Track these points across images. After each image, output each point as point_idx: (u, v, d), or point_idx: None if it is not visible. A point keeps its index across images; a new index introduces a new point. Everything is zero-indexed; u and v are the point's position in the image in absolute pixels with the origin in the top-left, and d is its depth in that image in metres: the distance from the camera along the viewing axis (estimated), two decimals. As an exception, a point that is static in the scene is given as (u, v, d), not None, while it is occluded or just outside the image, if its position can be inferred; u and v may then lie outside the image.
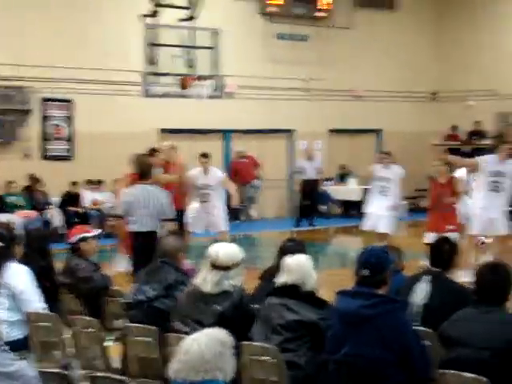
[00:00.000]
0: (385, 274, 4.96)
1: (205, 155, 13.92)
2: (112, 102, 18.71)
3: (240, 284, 5.75)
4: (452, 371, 4.65)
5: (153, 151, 12.90)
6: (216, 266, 5.65)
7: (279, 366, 5.15)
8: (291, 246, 6.53)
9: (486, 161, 11.89)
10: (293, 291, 5.47)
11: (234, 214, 20.80)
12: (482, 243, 12.90)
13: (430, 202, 12.29)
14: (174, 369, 3.54)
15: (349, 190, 22.00)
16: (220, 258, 5.66)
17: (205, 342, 3.54)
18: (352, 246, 16.67)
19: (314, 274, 5.58)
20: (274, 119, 21.71)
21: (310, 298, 5.47)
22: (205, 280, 5.67)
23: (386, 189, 13.68)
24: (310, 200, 20.20)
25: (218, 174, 13.96)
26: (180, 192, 12.94)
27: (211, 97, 16.09)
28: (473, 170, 12.28)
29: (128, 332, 6.04)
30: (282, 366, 5.15)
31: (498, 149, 12.04)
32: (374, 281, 4.89)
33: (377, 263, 4.93)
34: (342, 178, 22.89)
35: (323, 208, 22.01)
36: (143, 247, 9.23)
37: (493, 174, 11.76)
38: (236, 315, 5.49)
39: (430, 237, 11.23)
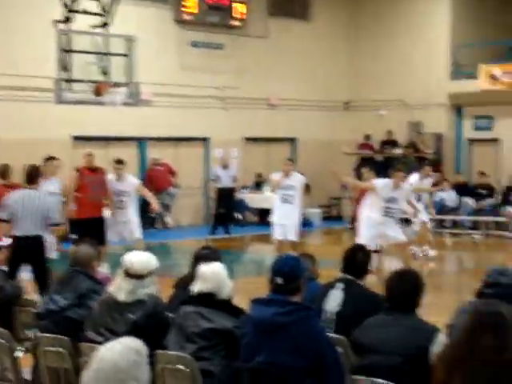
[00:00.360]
0: (298, 281, 4.98)
1: (119, 161, 13.82)
2: (25, 108, 18.38)
3: (154, 293, 5.71)
4: (364, 377, 4.71)
5: (51, 158, 12.88)
6: (130, 275, 5.60)
7: (193, 375, 5.13)
8: (206, 254, 6.52)
9: (381, 186, 12.28)
10: (208, 299, 5.46)
11: (149, 221, 20.70)
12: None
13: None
14: (86, 379, 3.49)
15: (264, 198, 22.11)
16: (134, 267, 5.61)
17: (119, 351, 3.50)
18: (268, 253, 16.74)
19: (229, 282, 5.58)
20: (190, 127, 21.68)
21: (225, 306, 5.46)
22: (119, 288, 5.61)
23: (290, 197, 13.85)
24: (225, 208, 20.23)
25: (132, 180, 13.88)
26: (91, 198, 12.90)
27: (126, 104, 15.97)
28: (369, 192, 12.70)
29: (39, 342, 5.93)
30: (197, 374, 5.13)
31: (392, 175, 12.45)
32: (288, 288, 4.92)
33: (290, 271, 4.95)
34: (258, 186, 23.00)
35: (239, 216, 22.05)
36: (24, 251, 9.43)
37: (386, 200, 12.17)
38: (150, 324, 5.44)
39: None
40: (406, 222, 15.10)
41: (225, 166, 20.31)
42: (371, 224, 12.30)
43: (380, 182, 12.59)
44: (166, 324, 5.58)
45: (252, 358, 4.83)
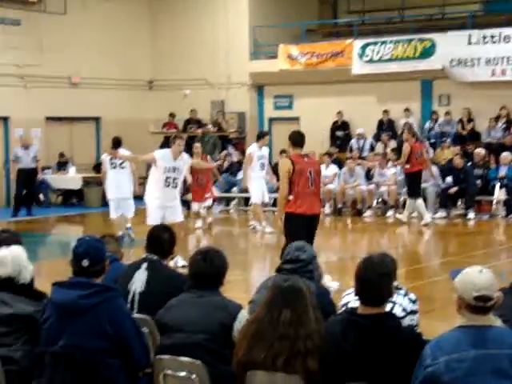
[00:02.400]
0: (103, 263, 4.98)
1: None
2: None
3: None
4: (168, 356, 4.76)
5: None
6: None
7: (-7, 362, 4.99)
8: (5, 238, 6.34)
9: (163, 157, 11.86)
10: (7, 284, 5.31)
11: None
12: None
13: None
14: None
15: (69, 179, 21.72)
16: None
17: None
18: (73, 235, 16.49)
19: (30, 265, 5.45)
20: (-13, 106, 20.88)
21: (25, 291, 5.34)
22: None
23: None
24: (27, 189, 19.69)
25: None
26: None
27: None
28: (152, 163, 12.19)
29: None
30: (-3, 362, 5.00)
31: (172, 144, 12.03)
32: (93, 271, 4.89)
33: (95, 253, 4.93)
34: (61, 166, 22.52)
35: (42, 197, 21.53)
36: None
37: (167, 170, 11.79)
38: None
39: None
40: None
41: (25, 147, 19.69)
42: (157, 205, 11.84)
43: (160, 152, 12.28)
44: None
45: (54, 343, 4.76)
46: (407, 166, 17.00)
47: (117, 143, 14.66)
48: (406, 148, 16.95)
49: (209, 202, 16.71)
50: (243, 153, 22.74)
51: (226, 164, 21.78)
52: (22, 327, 5.17)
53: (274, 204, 16.44)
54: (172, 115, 24.19)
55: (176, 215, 11.89)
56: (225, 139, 23.50)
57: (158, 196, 11.81)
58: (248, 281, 11.44)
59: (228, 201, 21.24)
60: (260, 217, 16.38)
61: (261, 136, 16.53)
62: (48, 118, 22.64)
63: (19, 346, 5.13)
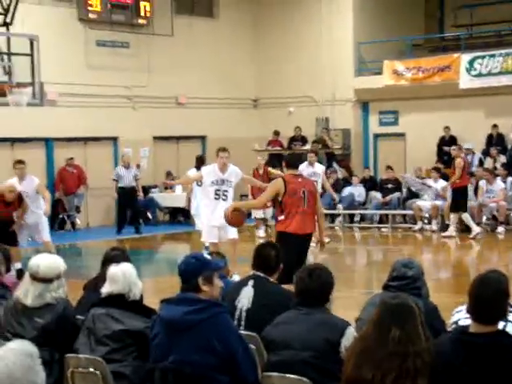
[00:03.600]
0: (196, 279, 4.95)
1: (20, 161, 13.51)
2: None
3: (64, 296, 5.61)
4: (276, 373, 4.74)
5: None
6: (37, 279, 5.48)
7: (105, 378, 5.08)
8: (115, 255, 6.46)
9: (208, 172, 12.10)
10: (118, 301, 5.41)
11: (59, 223, 20.42)
12: None
13: None
14: None
15: (175, 197, 22.05)
16: (41, 271, 5.47)
17: (12, 360, 3.41)
18: (180, 252, 16.70)
19: (139, 282, 5.54)
20: (98, 126, 21.42)
21: (135, 307, 5.42)
22: (26, 293, 5.48)
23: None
24: (131, 208, 20.15)
25: (34, 181, 13.53)
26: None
27: (31, 104, 15.70)
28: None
29: None
30: (108, 377, 5.08)
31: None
32: (189, 287, 4.92)
33: (186, 270, 4.96)
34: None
35: (150, 215, 21.91)
36: None
37: (215, 183, 12.01)
38: (59, 328, 5.35)
39: None
40: None
41: (127, 166, 20.18)
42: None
43: (205, 168, 12.48)
44: (75, 328, 5.50)
45: (164, 358, 4.81)
46: (458, 181, 17.54)
47: (200, 161, 14.79)
48: (459, 163, 17.55)
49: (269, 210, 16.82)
50: (348, 170, 22.66)
51: (331, 181, 21.73)
52: (132, 343, 5.25)
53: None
54: (276, 133, 24.28)
55: (229, 232, 11.90)
56: (330, 156, 23.43)
57: (212, 210, 11.95)
58: (354, 298, 11.33)
59: (333, 217, 21.15)
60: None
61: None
62: (155, 138, 23.08)
63: (130, 362, 5.21)
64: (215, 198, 11.99)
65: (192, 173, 14.90)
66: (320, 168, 16.39)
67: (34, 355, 3.46)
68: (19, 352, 3.43)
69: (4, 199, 12.55)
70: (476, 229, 17.50)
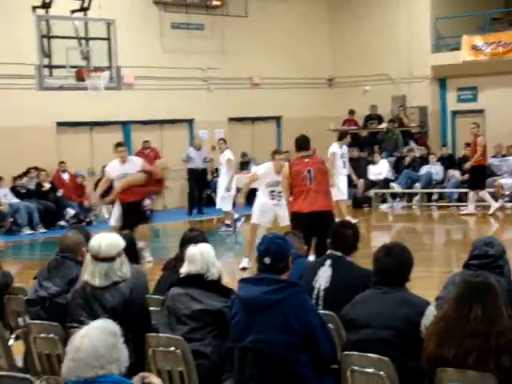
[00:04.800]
0: (286, 260, 5.00)
1: (120, 144, 13.68)
2: (6, 96, 18.25)
3: (128, 273, 5.61)
4: (356, 352, 4.72)
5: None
6: (100, 259, 5.50)
7: (186, 356, 5.14)
8: (194, 236, 6.52)
9: (264, 173, 12.16)
10: (197, 280, 5.46)
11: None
12: None
13: None
14: (66, 368, 3.47)
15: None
16: (102, 250, 5.46)
17: (96, 337, 3.48)
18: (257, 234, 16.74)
19: (218, 262, 5.58)
20: (174, 109, 21.59)
21: (214, 287, 5.47)
22: (93, 274, 5.53)
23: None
24: (197, 189, 20.38)
25: (137, 161, 13.51)
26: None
27: (108, 88, 15.88)
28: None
29: (30, 329, 5.93)
30: (189, 355, 5.14)
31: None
32: (276, 268, 4.93)
33: (277, 251, 4.97)
34: (244, 165, 22.95)
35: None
36: None
37: (269, 185, 12.09)
38: (126, 310, 5.36)
39: None
40: None
41: (198, 148, 20.36)
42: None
43: (261, 168, 12.58)
44: (143, 309, 5.53)
45: (243, 338, 4.84)
46: (480, 159, 17.83)
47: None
48: (481, 141, 17.89)
49: None
50: (426, 148, 22.35)
51: (408, 159, 21.51)
52: (211, 322, 5.30)
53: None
54: (352, 112, 24.11)
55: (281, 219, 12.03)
56: (406, 134, 23.16)
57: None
58: (433, 277, 11.21)
59: (410, 197, 20.93)
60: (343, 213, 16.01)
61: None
62: (230, 119, 23.16)
63: (210, 341, 5.27)
64: (271, 199, 12.15)
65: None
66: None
67: (117, 333, 3.53)
68: (103, 330, 3.51)
69: (155, 178, 12.95)
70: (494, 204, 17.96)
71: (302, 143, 10.55)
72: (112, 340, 3.49)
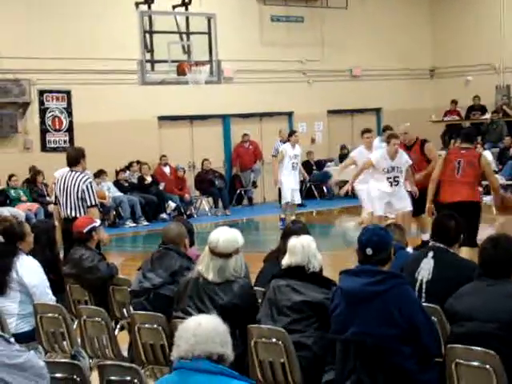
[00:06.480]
0: (388, 251, 4.97)
1: (368, 130, 13.75)
2: (109, 91, 18.65)
3: (243, 272, 5.68)
4: (460, 346, 4.64)
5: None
6: (216, 253, 5.56)
7: (287, 348, 5.15)
8: (295, 228, 6.53)
9: (378, 161, 11.95)
10: (298, 272, 5.46)
11: (237, 198, 20.85)
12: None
13: None
14: (187, 345, 3.48)
15: (351, 171, 21.89)
16: (220, 245, 5.54)
17: (212, 320, 3.54)
18: (355, 226, 16.65)
19: (319, 254, 5.56)
20: (273, 102, 21.62)
21: (315, 279, 5.45)
22: (207, 268, 5.60)
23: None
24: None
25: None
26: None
27: (209, 82, 16.06)
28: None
29: (135, 320, 6.05)
30: (290, 347, 5.15)
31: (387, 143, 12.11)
32: (378, 259, 4.91)
33: (379, 241, 4.94)
34: (343, 158, 22.81)
35: (326, 189, 21.92)
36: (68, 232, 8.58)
37: (386, 171, 11.88)
38: (237, 311, 5.43)
39: None
40: None
41: (285, 141, 20.18)
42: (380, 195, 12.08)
43: (375, 155, 12.38)
44: (254, 307, 5.59)
45: (345, 329, 4.83)
46: None
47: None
48: None
49: None
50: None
51: (512, 151, 21.01)
52: (313, 314, 5.29)
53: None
54: (454, 102, 23.68)
55: (402, 203, 11.89)
56: (511, 125, 22.59)
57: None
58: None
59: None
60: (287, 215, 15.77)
61: (291, 134, 16.28)
62: (329, 112, 23.07)
63: (311, 333, 5.26)
64: (389, 185, 11.98)
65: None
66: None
67: (226, 328, 3.59)
68: (215, 318, 3.58)
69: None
70: None
71: (468, 136, 10.59)
72: (225, 327, 3.55)
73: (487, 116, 22.63)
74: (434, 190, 10.31)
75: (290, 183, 15.92)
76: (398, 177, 11.88)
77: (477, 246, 9.05)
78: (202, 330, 3.48)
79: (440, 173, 10.25)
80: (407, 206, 11.99)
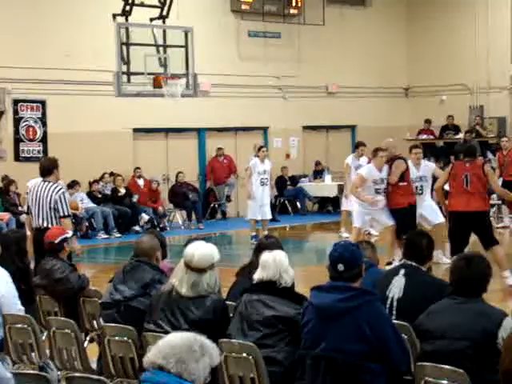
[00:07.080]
0: (359, 267, 4.97)
1: (416, 146, 13.48)
2: (85, 101, 18.57)
3: (217, 288, 5.66)
4: (430, 363, 4.65)
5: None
6: (191, 268, 5.55)
7: (257, 363, 5.13)
8: (269, 243, 6.52)
9: (368, 173, 12.35)
10: (269, 287, 5.45)
11: (210, 212, 20.82)
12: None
13: None
14: (155, 356, 3.42)
15: (324, 187, 22.02)
16: (195, 260, 5.53)
17: (191, 335, 3.48)
18: (328, 242, 16.68)
19: (291, 269, 5.56)
20: (249, 117, 21.67)
21: (286, 294, 5.45)
22: (180, 281, 5.58)
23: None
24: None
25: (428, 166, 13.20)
26: None
27: (185, 95, 16.07)
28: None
29: (105, 332, 6.01)
30: (261, 362, 5.13)
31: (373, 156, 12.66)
32: (350, 275, 4.91)
33: (351, 258, 4.94)
34: (317, 174, 22.90)
35: (299, 205, 21.97)
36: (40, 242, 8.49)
37: (376, 183, 12.26)
38: (209, 326, 5.39)
39: None
40: None
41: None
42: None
43: (364, 170, 12.78)
44: (225, 321, 5.58)
45: (315, 345, 4.82)
46: None
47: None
48: None
49: None
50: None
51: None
52: (284, 329, 5.28)
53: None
54: (428, 121, 23.85)
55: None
56: (484, 145, 22.78)
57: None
58: (506, 289, 10.98)
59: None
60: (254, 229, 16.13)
61: (259, 149, 16.44)
62: (305, 127, 23.14)
63: (282, 348, 5.24)
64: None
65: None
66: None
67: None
68: (197, 336, 3.51)
69: None
70: None
71: (470, 151, 11.48)
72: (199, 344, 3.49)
73: (460, 136, 22.81)
74: (443, 196, 11.44)
75: (258, 199, 16.07)
76: (385, 189, 12.21)
77: (498, 243, 10.96)
78: (178, 341, 3.43)
79: (445, 184, 11.32)
80: (391, 221, 12.27)
